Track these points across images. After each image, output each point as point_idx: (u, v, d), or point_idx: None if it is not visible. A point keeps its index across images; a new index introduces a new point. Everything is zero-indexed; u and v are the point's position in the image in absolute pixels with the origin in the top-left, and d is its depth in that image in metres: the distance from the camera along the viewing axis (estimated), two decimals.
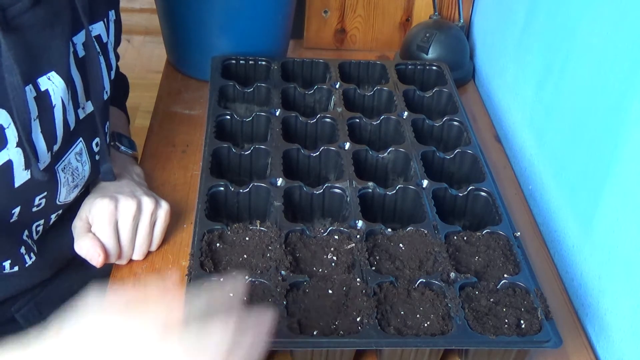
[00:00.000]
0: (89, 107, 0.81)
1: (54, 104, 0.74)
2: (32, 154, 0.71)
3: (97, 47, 0.80)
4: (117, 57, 0.94)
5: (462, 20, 1.33)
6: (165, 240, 0.87)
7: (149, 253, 0.86)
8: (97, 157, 0.84)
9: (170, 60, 1.28)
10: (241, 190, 0.87)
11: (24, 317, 0.86)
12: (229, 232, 0.80)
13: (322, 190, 0.88)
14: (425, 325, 0.72)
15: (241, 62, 1.13)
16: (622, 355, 0.78)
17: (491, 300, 0.75)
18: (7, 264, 0.79)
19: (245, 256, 0.78)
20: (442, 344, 0.71)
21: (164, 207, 0.85)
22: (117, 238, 0.82)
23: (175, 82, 1.23)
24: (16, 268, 0.80)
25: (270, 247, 0.79)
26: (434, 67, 1.16)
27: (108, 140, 0.86)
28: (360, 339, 0.70)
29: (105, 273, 0.86)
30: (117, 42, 0.90)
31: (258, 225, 0.81)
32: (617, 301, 0.80)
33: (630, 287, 0.76)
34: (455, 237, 0.83)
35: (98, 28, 0.82)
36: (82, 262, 0.91)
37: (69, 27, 0.75)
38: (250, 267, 0.77)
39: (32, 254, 0.81)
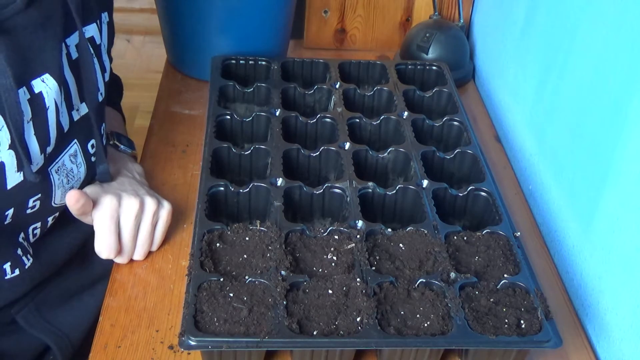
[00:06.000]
0: (84, 109, 0.81)
1: (47, 106, 0.73)
2: (25, 156, 0.71)
3: (91, 49, 0.80)
4: (111, 59, 0.94)
5: (462, 20, 1.33)
6: (165, 240, 0.87)
7: (149, 253, 0.86)
8: (93, 159, 0.84)
9: (170, 60, 1.28)
10: (241, 190, 0.87)
11: (24, 318, 0.86)
12: (229, 232, 0.80)
13: (322, 190, 0.88)
14: (425, 325, 0.72)
15: (241, 62, 1.13)
16: (622, 355, 0.78)
17: (491, 300, 0.75)
18: (7, 266, 0.79)
19: (245, 256, 0.78)
20: (442, 344, 0.71)
21: (166, 208, 0.86)
22: (117, 235, 0.82)
23: (175, 82, 1.23)
24: (17, 271, 0.80)
25: (270, 247, 0.79)
26: (434, 67, 1.16)
27: (105, 141, 0.86)
28: (360, 339, 0.70)
29: (105, 273, 0.86)
30: (110, 44, 0.90)
31: (258, 225, 0.81)
32: (617, 301, 0.80)
33: (630, 287, 0.76)
34: (455, 237, 0.83)
35: (91, 30, 0.81)
36: (81, 263, 0.91)
37: (61, 28, 0.75)
38: (250, 267, 0.77)
39: (29, 256, 0.81)
